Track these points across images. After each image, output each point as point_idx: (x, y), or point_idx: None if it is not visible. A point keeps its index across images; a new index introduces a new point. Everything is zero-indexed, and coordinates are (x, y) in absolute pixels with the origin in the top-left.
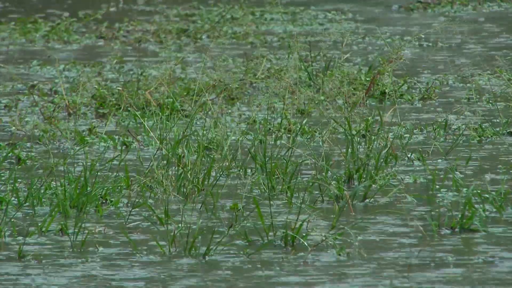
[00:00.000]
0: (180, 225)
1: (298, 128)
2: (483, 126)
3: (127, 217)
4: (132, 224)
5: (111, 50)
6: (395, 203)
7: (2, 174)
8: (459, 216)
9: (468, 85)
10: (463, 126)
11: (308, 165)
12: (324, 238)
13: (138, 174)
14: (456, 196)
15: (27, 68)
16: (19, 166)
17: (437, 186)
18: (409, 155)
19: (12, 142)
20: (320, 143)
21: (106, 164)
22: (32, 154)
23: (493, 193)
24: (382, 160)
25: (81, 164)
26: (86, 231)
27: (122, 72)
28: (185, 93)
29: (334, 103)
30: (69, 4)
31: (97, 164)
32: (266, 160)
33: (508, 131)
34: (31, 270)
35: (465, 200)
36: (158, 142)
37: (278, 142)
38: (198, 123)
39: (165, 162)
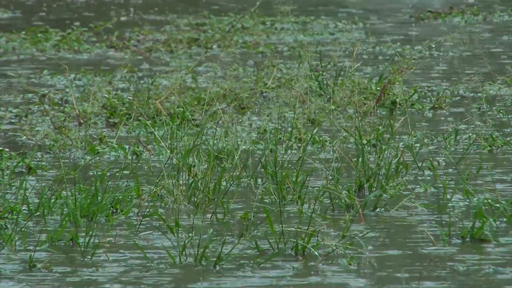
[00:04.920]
0: (190, 234)
1: (308, 138)
2: (494, 136)
3: (137, 226)
4: (142, 233)
5: (122, 59)
6: (406, 212)
7: (12, 184)
8: (470, 225)
9: (478, 94)
10: (474, 136)
11: (318, 174)
12: (334, 248)
13: (148, 183)
14: (467, 206)
15: (38, 77)
16: (30, 175)
17: (448, 196)
18: (419, 165)
19: (23, 152)
20: (331, 152)
21: (117, 174)
22: (43, 163)
23: (504, 202)
24: (392, 169)
25: (92, 173)
26: (97, 241)
27: (133, 81)
28: (195, 103)
29: (344, 113)
30: (79, 14)
31: (108, 174)
32: (277, 169)
33: None
34: (42, 279)
35: (476, 209)
36: (168, 151)
37: (289, 151)
38: (208, 132)
39: (175, 171)
